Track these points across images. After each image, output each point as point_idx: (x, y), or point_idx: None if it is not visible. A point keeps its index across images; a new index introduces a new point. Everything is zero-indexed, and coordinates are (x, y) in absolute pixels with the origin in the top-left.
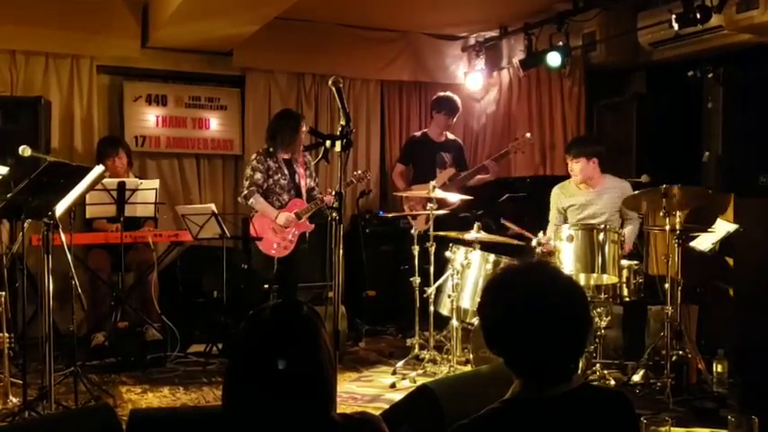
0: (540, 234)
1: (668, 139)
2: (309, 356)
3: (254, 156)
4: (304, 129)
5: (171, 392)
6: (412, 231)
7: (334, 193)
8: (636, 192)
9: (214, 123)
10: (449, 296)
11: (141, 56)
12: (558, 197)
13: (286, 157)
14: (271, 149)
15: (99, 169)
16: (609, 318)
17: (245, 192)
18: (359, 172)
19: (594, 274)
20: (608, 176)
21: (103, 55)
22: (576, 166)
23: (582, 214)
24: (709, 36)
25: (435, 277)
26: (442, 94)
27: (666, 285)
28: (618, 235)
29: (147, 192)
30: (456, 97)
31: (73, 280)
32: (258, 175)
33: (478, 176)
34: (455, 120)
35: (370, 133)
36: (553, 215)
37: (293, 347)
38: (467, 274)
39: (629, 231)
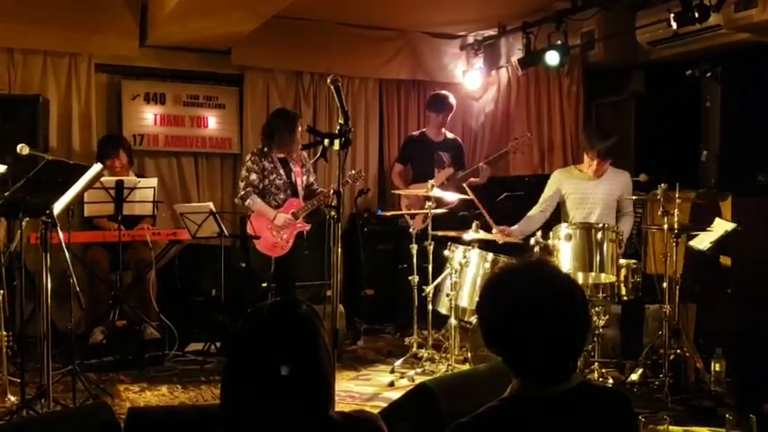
0: (538, 234)
1: (667, 137)
2: (308, 355)
3: (248, 156)
4: (300, 128)
5: (169, 391)
6: (410, 230)
7: (332, 191)
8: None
9: (212, 122)
10: (447, 295)
11: (139, 54)
12: (560, 181)
13: (281, 155)
14: (265, 149)
15: (97, 167)
16: (607, 317)
17: (242, 193)
18: (353, 171)
19: (592, 273)
20: (609, 166)
21: (102, 53)
22: (604, 165)
23: (581, 206)
24: (708, 35)
25: (434, 276)
26: (433, 93)
27: (664, 284)
28: (616, 234)
29: (145, 190)
30: (446, 94)
31: (71, 278)
32: (254, 176)
33: (470, 179)
34: (449, 117)
35: (368, 132)
36: (545, 197)
37: (292, 346)
38: (465, 273)
39: (626, 227)
